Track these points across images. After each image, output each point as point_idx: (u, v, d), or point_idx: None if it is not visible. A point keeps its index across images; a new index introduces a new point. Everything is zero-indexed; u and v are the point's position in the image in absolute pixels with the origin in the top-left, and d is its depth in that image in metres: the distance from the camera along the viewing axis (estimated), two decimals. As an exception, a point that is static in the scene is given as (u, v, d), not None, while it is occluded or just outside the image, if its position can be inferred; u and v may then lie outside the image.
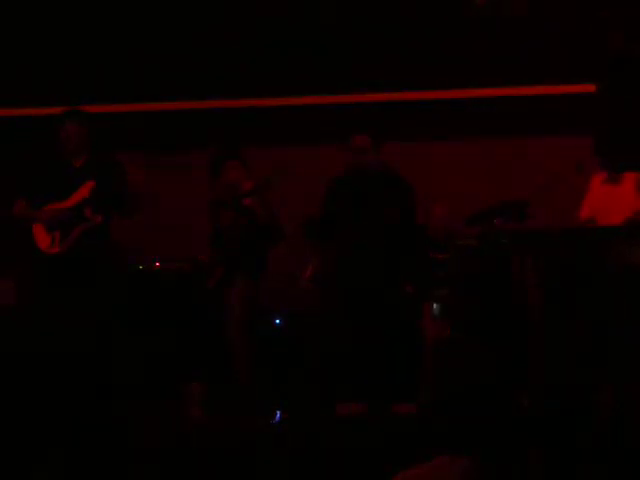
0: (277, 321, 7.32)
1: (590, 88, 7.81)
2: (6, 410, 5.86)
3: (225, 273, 6.43)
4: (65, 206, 6.40)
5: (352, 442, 5.34)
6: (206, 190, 6.83)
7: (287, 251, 6.74)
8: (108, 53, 8.43)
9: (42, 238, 6.40)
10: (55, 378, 6.16)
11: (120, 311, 6.42)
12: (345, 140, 6.50)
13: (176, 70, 8.36)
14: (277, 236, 6.48)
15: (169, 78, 8.38)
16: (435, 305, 6.37)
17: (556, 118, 7.99)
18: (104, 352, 6.26)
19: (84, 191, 6.39)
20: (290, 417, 5.87)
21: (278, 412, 5.96)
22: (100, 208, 6.38)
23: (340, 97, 8.27)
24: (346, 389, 6.15)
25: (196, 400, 5.96)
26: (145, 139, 8.18)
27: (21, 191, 6.54)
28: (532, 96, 8.11)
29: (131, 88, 8.41)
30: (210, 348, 6.45)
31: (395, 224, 6.23)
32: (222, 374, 6.30)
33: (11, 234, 7.21)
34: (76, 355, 6.16)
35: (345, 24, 8.31)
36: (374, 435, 5.39)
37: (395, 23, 8.30)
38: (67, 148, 6.48)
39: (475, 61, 8.16)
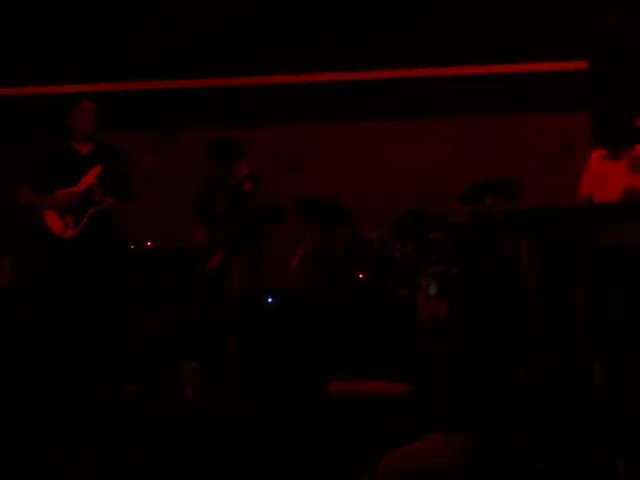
0: (269, 300, 7.32)
1: (581, 65, 7.81)
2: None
3: (225, 256, 6.46)
4: (75, 191, 6.48)
5: (346, 421, 5.34)
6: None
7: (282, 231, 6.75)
8: (112, 31, 8.42)
9: (55, 223, 6.51)
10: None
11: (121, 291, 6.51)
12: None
13: (178, 49, 8.36)
14: (276, 219, 6.52)
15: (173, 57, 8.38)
16: (430, 283, 6.37)
17: (546, 95, 7.97)
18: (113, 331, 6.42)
19: (91, 176, 6.50)
20: (283, 395, 5.87)
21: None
22: (108, 191, 6.49)
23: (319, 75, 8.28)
24: (340, 367, 6.18)
25: (189, 380, 5.95)
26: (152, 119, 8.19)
27: (28, 177, 6.60)
28: (522, 73, 8.09)
29: (140, 67, 8.42)
30: (203, 328, 6.46)
31: None
32: (215, 354, 6.31)
33: (9, 217, 7.23)
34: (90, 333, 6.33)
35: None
36: (368, 413, 5.39)
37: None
38: (80, 129, 6.53)
39: (467, 38, 8.15)
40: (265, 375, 6.56)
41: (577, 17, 7.81)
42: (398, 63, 8.27)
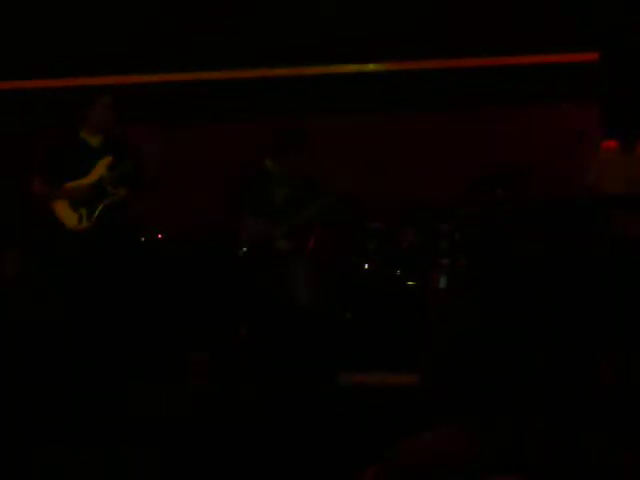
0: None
1: (592, 56, 7.80)
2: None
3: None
4: (86, 182, 6.50)
5: (353, 412, 5.36)
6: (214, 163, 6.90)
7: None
8: (122, 23, 8.43)
9: (67, 215, 6.52)
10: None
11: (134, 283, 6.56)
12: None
13: (189, 41, 8.37)
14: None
15: (184, 49, 8.39)
16: (440, 276, 6.39)
17: (557, 87, 7.97)
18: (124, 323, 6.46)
19: (102, 167, 6.51)
20: (291, 386, 5.90)
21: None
22: (120, 183, 6.53)
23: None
24: (348, 359, 6.21)
25: (200, 370, 5.98)
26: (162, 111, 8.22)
27: (38, 170, 6.62)
28: (533, 65, 8.09)
29: (148, 59, 8.43)
30: (215, 318, 6.51)
31: None
32: (226, 344, 6.33)
33: (15, 207, 7.28)
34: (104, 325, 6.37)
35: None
36: (375, 405, 5.42)
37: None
38: (97, 123, 6.58)
39: (479, 29, 8.15)
40: (272, 368, 6.59)
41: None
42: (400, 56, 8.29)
